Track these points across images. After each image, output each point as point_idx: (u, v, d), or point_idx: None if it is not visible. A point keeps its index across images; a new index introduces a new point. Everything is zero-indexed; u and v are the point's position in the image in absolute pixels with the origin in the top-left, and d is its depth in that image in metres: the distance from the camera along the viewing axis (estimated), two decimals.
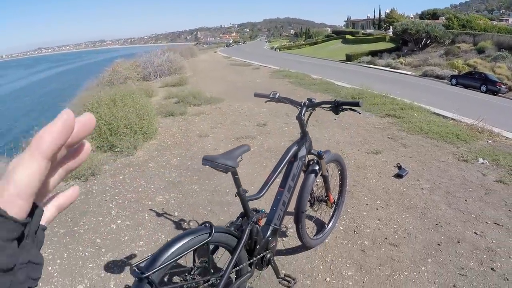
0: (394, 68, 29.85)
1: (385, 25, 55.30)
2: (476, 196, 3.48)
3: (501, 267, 2.44)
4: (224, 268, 1.59)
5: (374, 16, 71.24)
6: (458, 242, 2.73)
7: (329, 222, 2.72)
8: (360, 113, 2.22)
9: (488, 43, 30.02)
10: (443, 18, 42.68)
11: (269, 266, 1.95)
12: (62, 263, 2.53)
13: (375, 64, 32.33)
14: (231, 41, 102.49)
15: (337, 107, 2.04)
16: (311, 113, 2.20)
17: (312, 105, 2.12)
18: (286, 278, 2.04)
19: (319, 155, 2.26)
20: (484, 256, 2.56)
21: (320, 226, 2.75)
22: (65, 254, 2.62)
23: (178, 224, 2.92)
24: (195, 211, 3.14)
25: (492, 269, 2.42)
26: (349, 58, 36.51)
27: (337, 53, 41.95)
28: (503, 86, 20.87)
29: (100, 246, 2.70)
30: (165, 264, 1.31)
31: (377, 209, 3.24)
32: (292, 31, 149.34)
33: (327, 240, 2.69)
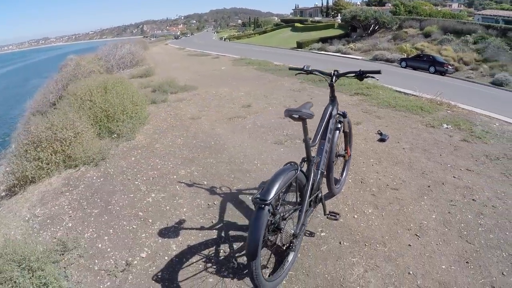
0: (345, 54, 31.18)
1: (333, 13, 57.07)
2: (448, 151, 4.17)
3: (479, 198, 3.10)
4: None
5: (322, 4, 73.38)
6: (443, 183, 3.36)
7: (342, 174, 3.22)
8: (378, 80, 2.67)
9: (434, 27, 32.21)
10: (390, 4, 44.71)
11: (319, 204, 2.39)
12: (111, 238, 2.65)
13: (326, 51, 33.44)
14: (178, 33, 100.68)
15: (361, 75, 2.51)
16: (335, 81, 2.64)
17: (340, 74, 2.59)
18: (332, 213, 2.48)
19: (344, 115, 2.73)
20: (465, 192, 3.20)
21: (336, 178, 3.23)
22: (111, 231, 2.74)
23: (211, 191, 3.24)
24: (220, 178, 3.49)
25: (473, 200, 3.07)
26: (300, 45, 37.50)
27: (288, 41, 42.80)
28: (450, 67, 22.79)
29: (145, 218, 2.90)
30: (277, 193, 1.70)
31: (372, 165, 3.80)
32: (240, 21, 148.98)
33: (342, 190, 3.19)
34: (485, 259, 2.34)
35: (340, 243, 2.47)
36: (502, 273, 2.23)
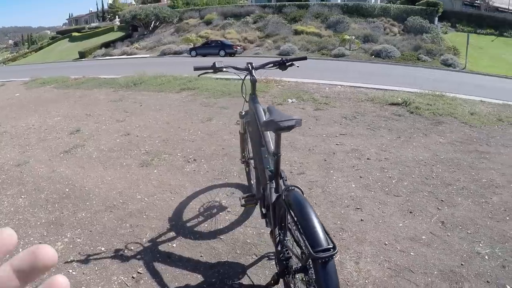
0: (131, 54, 30.59)
1: (109, 16, 55.36)
2: (312, 123, 4.50)
3: (370, 155, 3.46)
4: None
5: (97, 9, 69.28)
6: (334, 153, 3.59)
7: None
8: (298, 66, 2.39)
9: (214, 14, 35.01)
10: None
11: None
12: None
13: (111, 55, 32.25)
14: None
15: (284, 64, 2.25)
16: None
17: (259, 66, 2.26)
18: None
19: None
20: (356, 154, 3.51)
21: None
22: None
23: (121, 258, 2.32)
24: (117, 234, 2.57)
25: (368, 159, 3.40)
26: (83, 55, 34.91)
27: (68, 52, 39.36)
28: (239, 48, 25.55)
29: None
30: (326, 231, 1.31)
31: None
32: (11, 41, 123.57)
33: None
34: (418, 203, 2.65)
35: None
36: (437, 208, 2.57)
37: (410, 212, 2.52)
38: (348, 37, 26.16)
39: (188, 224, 2.63)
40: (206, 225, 2.60)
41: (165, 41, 31.59)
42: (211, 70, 2.23)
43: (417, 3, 32.71)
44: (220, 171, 3.44)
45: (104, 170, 3.77)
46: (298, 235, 1.37)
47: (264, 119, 1.66)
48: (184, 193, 3.09)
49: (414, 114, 4.85)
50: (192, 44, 28.40)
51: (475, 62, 23.15)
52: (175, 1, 41.02)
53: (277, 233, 1.66)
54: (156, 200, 3.04)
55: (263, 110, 2.10)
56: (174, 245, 2.42)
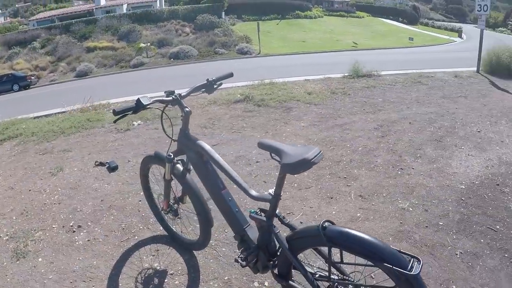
0: None
1: None
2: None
3: (257, 158, 3.53)
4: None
5: None
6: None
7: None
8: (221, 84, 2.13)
9: None
10: None
11: None
12: None
13: None
14: None
15: (212, 85, 2.00)
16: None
17: (186, 94, 1.92)
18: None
19: None
20: (244, 161, 3.58)
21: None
22: None
23: None
24: None
25: (257, 162, 3.47)
26: None
27: None
28: (33, 78, 23.04)
29: None
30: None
31: None
32: None
33: None
34: (330, 187, 2.88)
35: None
36: (347, 185, 2.89)
37: (331, 198, 2.74)
38: (143, 45, 26.25)
39: None
40: None
41: None
42: (131, 112, 1.75)
43: (202, 2, 35.02)
44: (120, 229, 2.75)
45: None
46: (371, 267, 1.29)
47: (284, 161, 1.43)
48: (101, 276, 2.30)
49: (263, 106, 5.18)
50: None
51: (267, 45, 26.71)
52: None
53: (310, 277, 1.46)
54: None
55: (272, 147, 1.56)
56: None
